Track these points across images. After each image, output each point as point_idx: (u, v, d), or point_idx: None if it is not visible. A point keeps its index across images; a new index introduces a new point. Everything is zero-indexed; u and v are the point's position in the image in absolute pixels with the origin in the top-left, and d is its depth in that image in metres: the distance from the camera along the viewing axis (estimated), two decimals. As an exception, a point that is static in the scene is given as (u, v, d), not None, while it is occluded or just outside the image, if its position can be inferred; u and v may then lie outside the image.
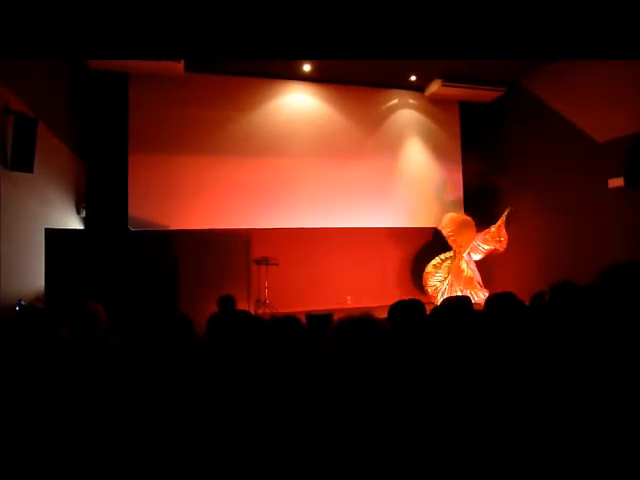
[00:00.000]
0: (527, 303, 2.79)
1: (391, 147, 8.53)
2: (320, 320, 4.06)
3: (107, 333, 2.37)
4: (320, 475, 1.17)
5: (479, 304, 6.90)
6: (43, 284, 5.04)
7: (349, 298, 8.06)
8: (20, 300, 4.62)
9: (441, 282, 7.59)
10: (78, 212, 6.73)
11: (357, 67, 7.52)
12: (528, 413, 1.47)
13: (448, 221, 7.82)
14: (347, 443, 1.17)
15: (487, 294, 6.96)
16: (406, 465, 1.19)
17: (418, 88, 8.54)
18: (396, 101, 8.60)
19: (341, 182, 8.17)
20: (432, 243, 8.34)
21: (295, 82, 8.02)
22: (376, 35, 4.08)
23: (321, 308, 7.48)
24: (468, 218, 7.87)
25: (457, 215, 8.03)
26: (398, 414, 1.26)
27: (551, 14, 3.83)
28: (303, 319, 2.87)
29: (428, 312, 2.53)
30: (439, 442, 1.28)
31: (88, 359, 1.54)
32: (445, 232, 7.77)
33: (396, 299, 2.48)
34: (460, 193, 8.87)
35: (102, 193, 6.97)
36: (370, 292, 8.09)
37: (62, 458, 1.27)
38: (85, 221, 6.83)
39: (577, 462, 1.30)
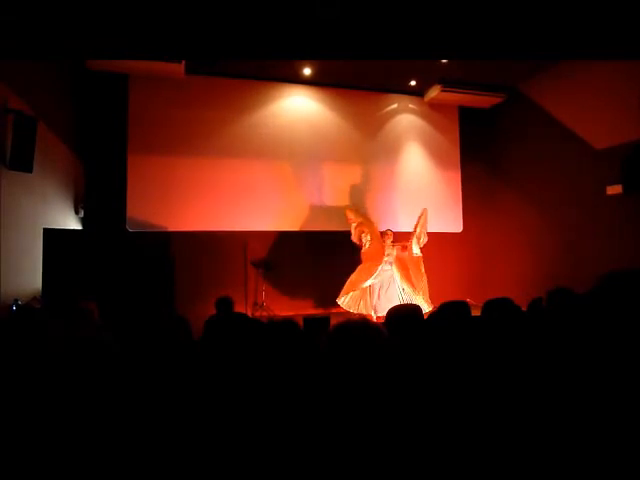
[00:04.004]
0: (525, 309, 2.80)
1: (390, 151, 8.54)
2: (317, 323, 4.05)
3: (101, 331, 2.36)
4: (316, 477, 1.17)
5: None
6: (41, 284, 5.03)
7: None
8: (17, 299, 4.60)
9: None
10: (77, 212, 6.72)
11: (357, 71, 7.54)
12: (524, 417, 1.47)
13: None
14: (344, 446, 1.17)
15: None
16: (403, 469, 1.18)
17: (418, 93, 8.58)
18: (396, 105, 8.63)
19: (340, 185, 8.18)
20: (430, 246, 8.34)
21: (295, 85, 8.03)
22: (376, 35, 4.11)
23: (318, 311, 7.48)
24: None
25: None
26: (396, 418, 1.25)
27: (550, 14, 3.86)
28: (300, 322, 2.87)
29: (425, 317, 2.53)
30: (437, 446, 1.28)
31: (81, 357, 1.54)
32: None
33: (394, 303, 2.47)
34: (459, 198, 8.89)
35: (101, 194, 6.97)
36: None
37: (56, 457, 1.26)
38: (83, 221, 6.82)
39: (575, 466, 1.30)
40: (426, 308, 6.30)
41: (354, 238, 6.85)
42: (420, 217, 6.96)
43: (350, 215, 6.94)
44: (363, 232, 6.80)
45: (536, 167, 7.82)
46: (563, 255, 7.04)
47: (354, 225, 6.85)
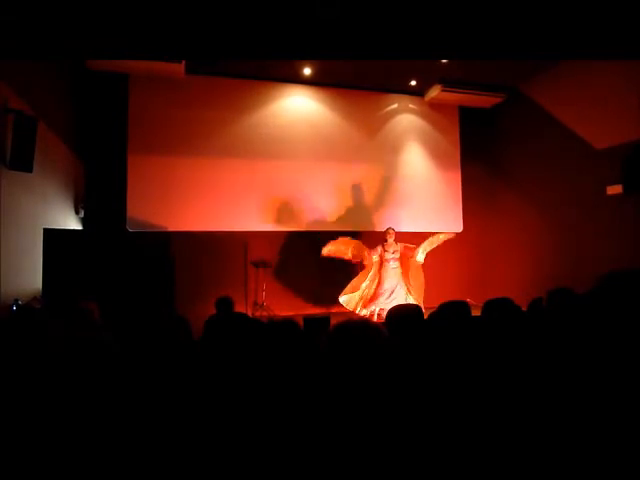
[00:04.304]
0: (525, 309, 2.80)
1: (391, 151, 8.54)
2: (318, 323, 4.05)
3: (101, 331, 2.36)
4: (316, 477, 1.17)
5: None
6: (41, 284, 5.03)
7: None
8: (17, 300, 4.60)
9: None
10: (77, 212, 6.72)
11: (357, 71, 7.55)
12: (524, 417, 1.47)
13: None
14: (345, 446, 1.17)
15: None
16: (403, 469, 1.18)
17: (418, 93, 8.58)
18: (396, 105, 8.63)
19: (341, 185, 8.18)
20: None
21: (296, 85, 8.03)
22: (376, 35, 4.11)
23: (319, 311, 7.48)
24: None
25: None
26: (396, 418, 1.25)
27: (550, 14, 3.86)
28: (300, 322, 2.87)
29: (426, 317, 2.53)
30: (437, 445, 1.28)
31: (81, 357, 1.54)
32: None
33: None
34: (459, 198, 8.89)
35: (101, 194, 6.97)
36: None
37: (56, 456, 1.26)
38: (84, 221, 6.83)
39: (575, 466, 1.30)
40: None
41: (356, 260, 6.84)
42: (441, 235, 6.93)
43: (334, 249, 6.72)
44: (355, 251, 6.77)
45: (536, 167, 7.82)
46: (563, 255, 7.04)
47: (344, 253, 6.76)
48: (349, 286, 6.75)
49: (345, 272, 7.20)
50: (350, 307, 6.71)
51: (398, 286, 6.65)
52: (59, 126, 6.20)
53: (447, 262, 8.27)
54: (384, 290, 6.61)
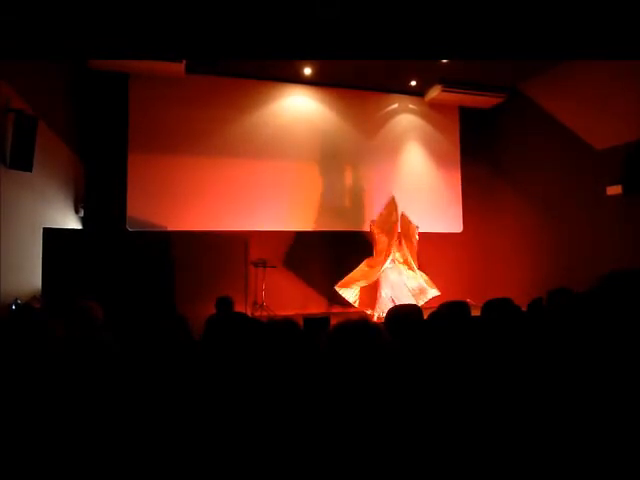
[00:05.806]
0: (525, 309, 2.80)
1: (391, 151, 8.54)
2: (317, 323, 4.05)
3: (102, 332, 2.36)
4: (316, 477, 1.17)
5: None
6: (40, 283, 5.02)
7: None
8: (17, 299, 4.60)
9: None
10: (77, 212, 6.72)
11: (357, 71, 7.54)
12: (524, 417, 1.47)
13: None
14: (344, 446, 1.17)
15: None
16: (402, 469, 1.18)
17: (418, 93, 8.57)
18: (396, 105, 8.63)
19: (340, 185, 8.18)
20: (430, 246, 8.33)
21: (296, 85, 8.03)
22: (376, 35, 4.11)
23: (318, 311, 7.48)
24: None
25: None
26: (396, 418, 1.25)
27: (550, 14, 3.86)
28: (300, 322, 2.87)
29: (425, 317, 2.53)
30: (437, 445, 1.28)
31: (81, 357, 1.54)
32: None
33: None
34: (459, 198, 8.88)
35: (101, 193, 6.97)
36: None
37: (56, 456, 1.26)
38: (83, 221, 6.82)
39: (575, 466, 1.30)
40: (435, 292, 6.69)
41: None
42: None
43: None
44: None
45: (536, 167, 7.81)
46: (563, 255, 7.04)
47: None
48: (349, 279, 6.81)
49: (346, 271, 7.19)
50: (350, 299, 6.78)
51: (395, 282, 6.67)
52: (59, 125, 6.19)
53: (447, 262, 8.27)
54: (384, 289, 6.63)
